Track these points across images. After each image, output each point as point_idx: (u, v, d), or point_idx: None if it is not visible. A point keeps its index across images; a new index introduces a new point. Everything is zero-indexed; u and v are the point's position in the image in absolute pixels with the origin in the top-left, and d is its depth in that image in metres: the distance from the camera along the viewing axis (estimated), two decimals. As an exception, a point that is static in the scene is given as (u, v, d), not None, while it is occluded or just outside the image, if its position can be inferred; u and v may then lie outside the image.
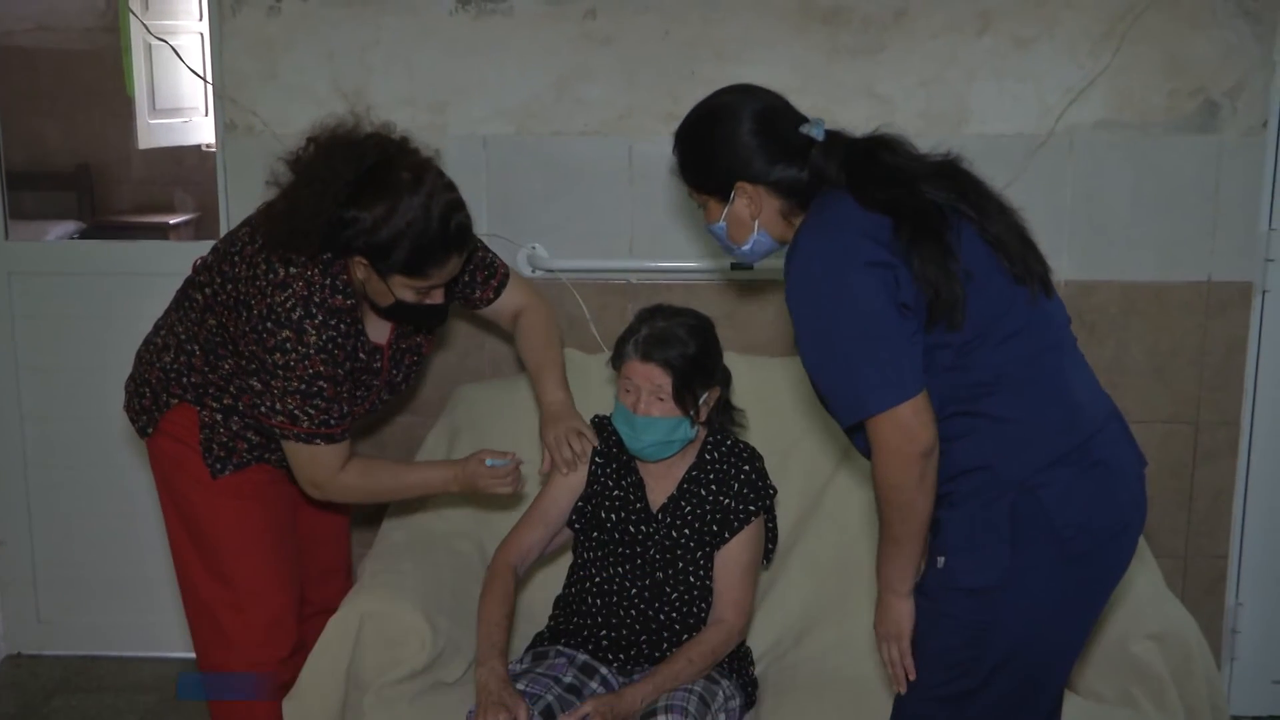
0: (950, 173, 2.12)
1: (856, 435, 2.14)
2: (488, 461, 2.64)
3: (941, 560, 2.09)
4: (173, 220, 6.35)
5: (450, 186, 2.45)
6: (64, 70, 6.28)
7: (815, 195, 2.12)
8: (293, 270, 2.42)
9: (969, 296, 2.00)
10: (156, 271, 3.47)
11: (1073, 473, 2.04)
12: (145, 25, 5.55)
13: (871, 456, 2.02)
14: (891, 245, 1.98)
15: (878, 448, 1.99)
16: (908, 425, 1.95)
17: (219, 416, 2.61)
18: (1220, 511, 3.43)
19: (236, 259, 2.51)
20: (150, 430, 2.67)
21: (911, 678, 2.16)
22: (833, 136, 2.15)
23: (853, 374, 1.97)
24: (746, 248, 2.21)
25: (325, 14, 3.28)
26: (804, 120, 2.16)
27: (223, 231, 3.38)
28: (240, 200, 3.36)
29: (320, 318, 2.41)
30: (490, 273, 2.78)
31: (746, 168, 2.13)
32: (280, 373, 2.42)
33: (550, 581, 2.90)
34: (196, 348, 2.58)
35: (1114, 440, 2.12)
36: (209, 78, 3.42)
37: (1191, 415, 3.38)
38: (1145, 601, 2.60)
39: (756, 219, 2.16)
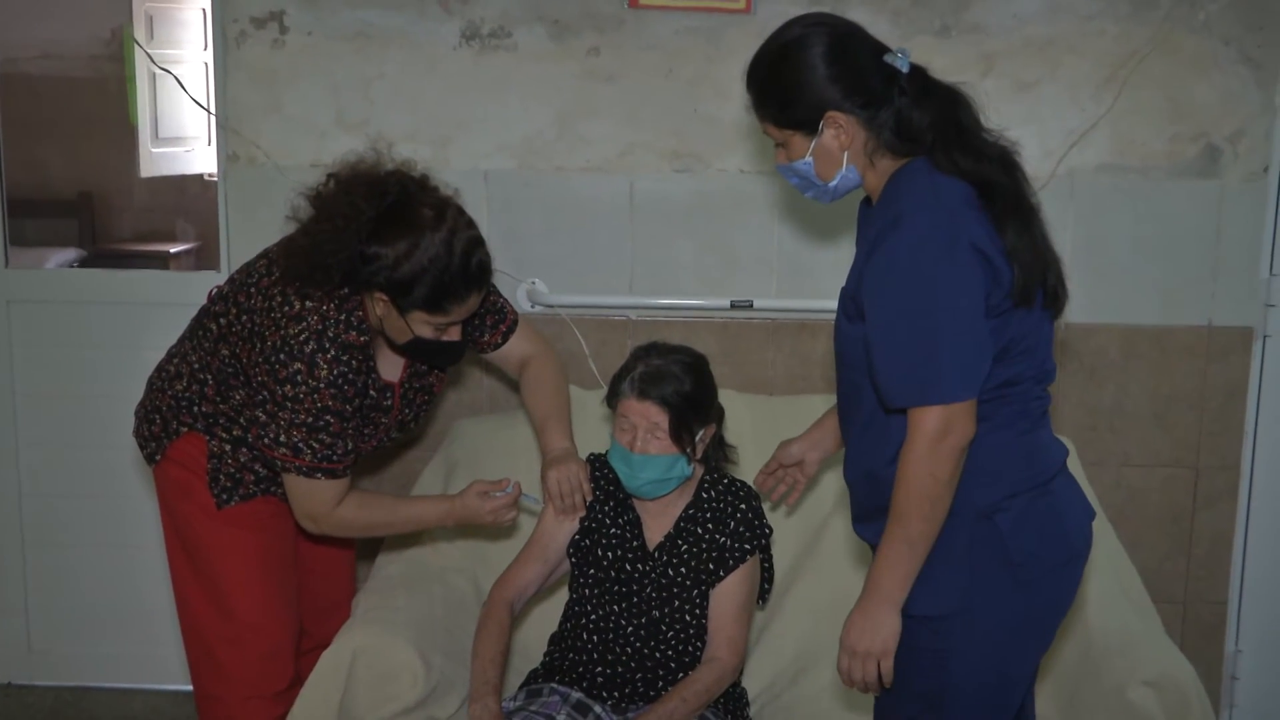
0: (1010, 165, 2.09)
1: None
2: (494, 494, 2.63)
3: None
4: (173, 249, 6.35)
5: (471, 224, 2.46)
6: (67, 98, 6.29)
7: (907, 148, 2.06)
8: (309, 304, 2.42)
9: None
10: (156, 301, 3.49)
11: (1026, 500, 2.06)
12: (149, 55, 5.58)
13: (906, 446, 1.99)
14: (984, 220, 1.97)
15: (921, 436, 1.96)
16: (957, 421, 1.95)
17: (228, 447, 2.60)
18: (1220, 557, 3.42)
19: (253, 290, 2.51)
20: (158, 457, 2.66)
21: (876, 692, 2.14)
22: (918, 72, 2.08)
23: (932, 359, 1.95)
24: (833, 184, 2.12)
25: (329, 47, 3.29)
26: (886, 50, 2.09)
27: (223, 261, 3.39)
28: (241, 230, 3.36)
29: (333, 352, 2.41)
30: (500, 318, 2.77)
31: (833, 96, 2.05)
32: (289, 404, 2.42)
33: (545, 618, 2.88)
34: (209, 377, 2.58)
35: (1067, 482, 2.16)
36: (212, 108, 3.42)
37: (1191, 460, 3.37)
38: (1143, 647, 2.58)
39: (846, 151, 2.08)
